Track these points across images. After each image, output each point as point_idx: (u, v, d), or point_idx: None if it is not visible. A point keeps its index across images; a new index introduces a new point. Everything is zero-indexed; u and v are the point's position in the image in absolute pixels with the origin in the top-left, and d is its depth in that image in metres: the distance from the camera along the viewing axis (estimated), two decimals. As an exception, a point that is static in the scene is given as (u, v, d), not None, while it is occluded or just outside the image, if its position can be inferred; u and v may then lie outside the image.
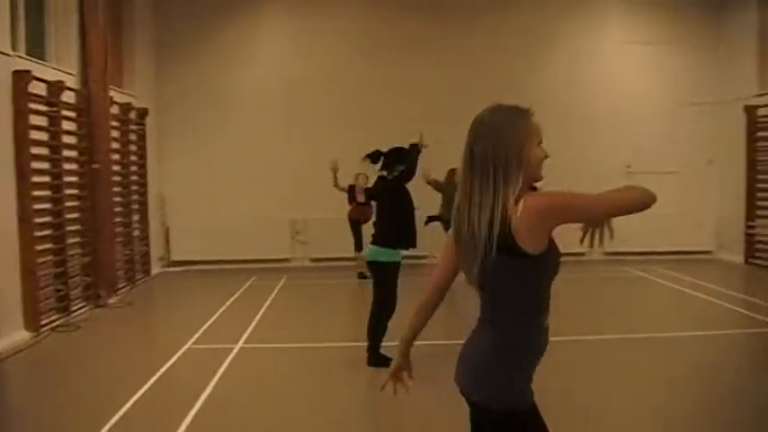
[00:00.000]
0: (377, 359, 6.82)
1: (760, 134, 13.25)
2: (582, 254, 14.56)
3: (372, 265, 7.05)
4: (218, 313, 9.64)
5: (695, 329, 8.52)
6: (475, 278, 2.60)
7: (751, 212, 13.46)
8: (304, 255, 14.34)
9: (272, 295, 11.05)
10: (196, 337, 8.31)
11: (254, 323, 9.04)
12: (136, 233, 12.40)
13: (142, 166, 12.74)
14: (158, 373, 6.80)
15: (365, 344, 7.06)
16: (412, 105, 13.83)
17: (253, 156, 14.03)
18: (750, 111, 13.32)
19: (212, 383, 6.51)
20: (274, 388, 6.61)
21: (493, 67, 14.21)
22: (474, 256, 2.56)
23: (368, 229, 12.38)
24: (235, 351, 7.68)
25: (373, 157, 7.22)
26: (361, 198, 12.16)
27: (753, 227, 13.41)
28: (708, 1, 14.58)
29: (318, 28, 14.21)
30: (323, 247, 14.04)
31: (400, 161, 7.11)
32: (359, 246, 12.42)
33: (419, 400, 6.81)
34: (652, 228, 14.16)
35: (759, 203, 13.32)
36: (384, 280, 6.94)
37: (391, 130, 14.24)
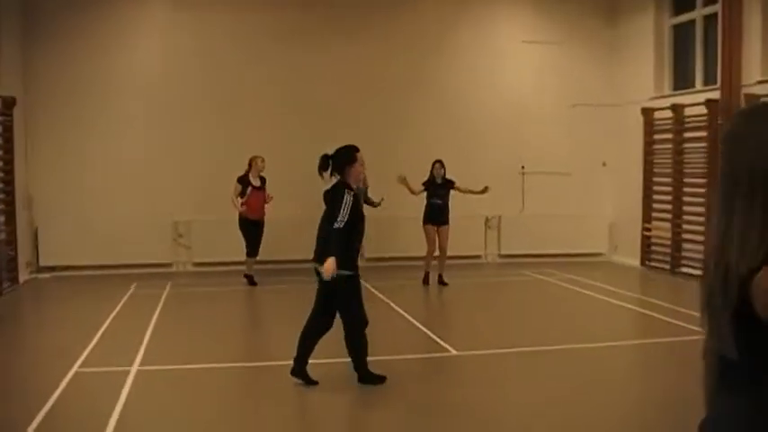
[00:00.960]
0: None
1: (656, 137, 13.30)
2: (478, 256, 14.42)
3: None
4: (102, 328, 8.49)
5: (614, 338, 8.30)
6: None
7: (647, 215, 13.51)
8: (187, 259, 13.27)
9: (160, 305, 9.98)
10: (82, 358, 7.12)
11: (146, 340, 7.97)
12: (0, 236, 11.04)
13: (8, 162, 11.40)
14: (44, 409, 5.59)
15: (278, 362, 6.39)
16: (298, 99, 13.26)
17: (130, 152, 12.84)
18: (647, 113, 13.37)
19: (114, 417, 5.51)
20: (190, 417, 5.73)
21: (388, 64, 13.67)
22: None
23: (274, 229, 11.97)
24: (132, 375, 6.61)
25: (323, 165, 6.31)
26: (256, 182, 11.40)
27: (649, 229, 13.47)
28: (606, 3, 14.53)
29: (196, 18, 13.16)
30: (207, 251, 13.05)
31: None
32: (254, 250, 11.55)
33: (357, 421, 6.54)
34: (546, 229, 14.09)
35: (655, 206, 13.37)
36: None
37: (275, 122, 13.76)
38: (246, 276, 11.58)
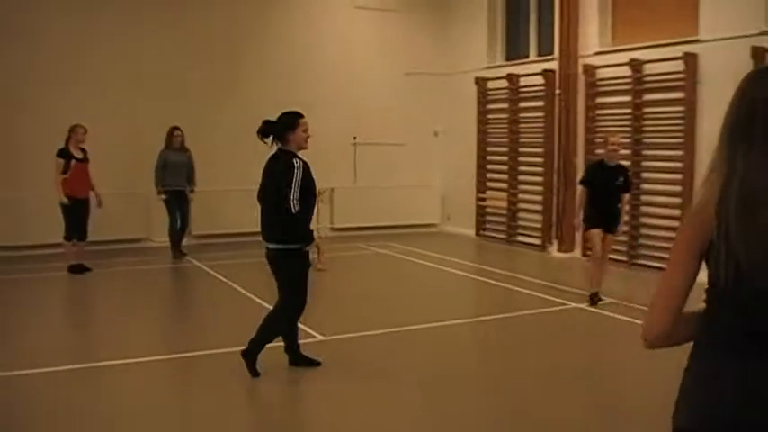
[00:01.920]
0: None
1: (491, 106, 13.25)
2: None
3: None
4: None
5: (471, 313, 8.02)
6: None
7: (482, 185, 13.45)
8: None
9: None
10: None
11: None
12: None
13: None
14: None
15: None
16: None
17: None
18: (481, 83, 13.26)
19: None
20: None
21: (210, 32, 12.38)
22: None
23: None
24: None
25: (265, 132, 5.66)
26: (78, 154, 9.83)
27: (483, 199, 13.42)
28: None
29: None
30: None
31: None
32: (81, 233, 9.98)
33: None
34: (379, 201, 13.68)
35: (490, 176, 13.35)
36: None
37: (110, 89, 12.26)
38: (73, 266, 9.91)
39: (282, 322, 5.71)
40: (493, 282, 9.61)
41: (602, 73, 10.97)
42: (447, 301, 8.79)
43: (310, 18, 13.32)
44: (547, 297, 8.58)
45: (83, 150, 9.90)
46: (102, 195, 10.17)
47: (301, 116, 5.75)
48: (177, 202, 10.94)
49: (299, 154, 5.68)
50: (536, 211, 12.23)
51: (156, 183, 10.80)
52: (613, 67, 10.66)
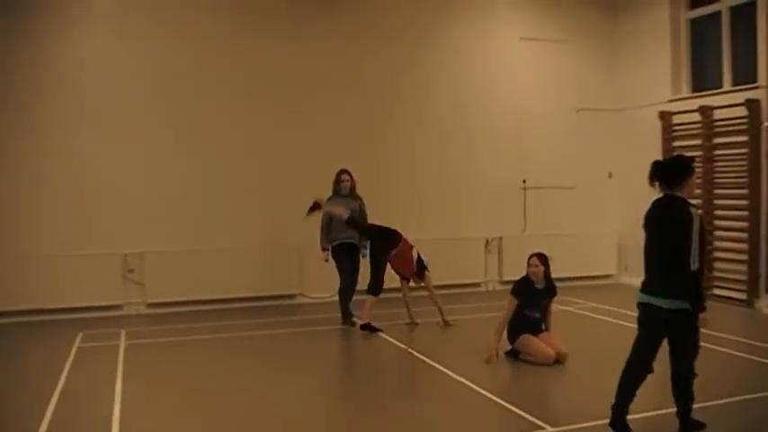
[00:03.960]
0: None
1: (677, 144, 11.80)
2: (478, 284, 12.63)
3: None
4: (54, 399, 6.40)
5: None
6: None
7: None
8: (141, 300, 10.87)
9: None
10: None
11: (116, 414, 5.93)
12: None
13: None
14: None
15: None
16: (269, 106, 11.27)
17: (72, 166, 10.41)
18: (665, 117, 11.90)
19: None
20: None
21: (365, 64, 11.74)
22: None
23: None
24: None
25: (654, 175, 5.20)
26: None
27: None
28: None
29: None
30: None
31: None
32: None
33: None
34: (551, 250, 12.34)
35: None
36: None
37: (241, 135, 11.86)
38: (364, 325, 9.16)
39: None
40: (720, 348, 8.05)
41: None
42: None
43: (472, 51, 12.40)
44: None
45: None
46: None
47: (693, 160, 5.28)
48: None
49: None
50: (739, 261, 10.69)
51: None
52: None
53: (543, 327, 7.77)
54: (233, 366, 7.64)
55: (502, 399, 6.23)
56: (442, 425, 5.72)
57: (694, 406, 5.29)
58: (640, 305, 5.18)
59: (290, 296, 11.36)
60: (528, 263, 7.83)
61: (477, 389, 6.59)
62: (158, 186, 10.67)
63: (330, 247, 9.50)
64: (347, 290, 9.55)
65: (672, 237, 4.93)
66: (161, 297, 10.64)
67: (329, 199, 9.51)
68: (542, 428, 5.48)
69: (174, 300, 10.65)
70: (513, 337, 7.63)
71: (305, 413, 6.07)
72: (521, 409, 5.91)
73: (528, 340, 7.51)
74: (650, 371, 5.12)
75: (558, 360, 7.39)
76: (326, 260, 9.54)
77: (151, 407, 6.25)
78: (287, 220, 10.64)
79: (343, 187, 9.52)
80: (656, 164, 5.18)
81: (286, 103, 11.28)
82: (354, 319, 9.45)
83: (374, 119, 11.75)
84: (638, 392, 5.17)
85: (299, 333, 9.37)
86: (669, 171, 5.08)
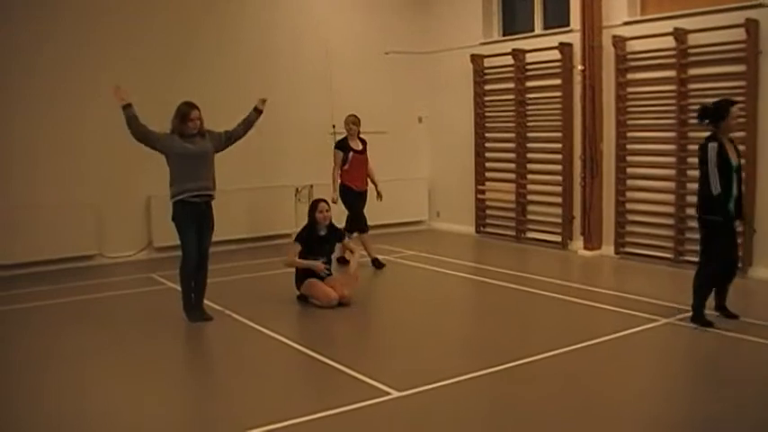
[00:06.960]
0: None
1: (488, 87, 11.75)
2: (290, 235, 11.77)
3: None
4: None
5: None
6: None
7: (481, 176, 11.95)
8: None
9: None
10: None
11: None
12: None
13: None
14: None
15: None
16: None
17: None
18: (477, 60, 11.74)
19: None
20: None
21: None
22: None
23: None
24: None
25: (703, 116, 6.60)
26: (357, 145, 9.93)
27: (484, 192, 11.94)
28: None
29: None
30: None
31: None
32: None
33: None
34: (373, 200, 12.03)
35: (489, 166, 11.86)
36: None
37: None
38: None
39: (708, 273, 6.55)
40: (540, 292, 8.05)
41: (634, 45, 9.64)
42: (499, 325, 7.18)
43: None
44: (620, 310, 7.16)
45: (362, 141, 10.00)
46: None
47: (734, 103, 6.50)
48: None
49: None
50: (554, 204, 10.84)
51: None
52: (650, 38, 9.34)
53: (329, 271, 7.84)
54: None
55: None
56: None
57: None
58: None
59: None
60: (316, 207, 7.81)
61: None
62: None
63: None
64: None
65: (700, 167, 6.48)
66: None
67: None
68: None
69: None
70: (299, 283, 7.73)
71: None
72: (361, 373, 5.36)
73: (311, 284, 7.61)
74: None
75: (342, 302, 7.47)
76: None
77: None
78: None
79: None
80: (703, 108, 6.53)
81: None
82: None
83: (168, 63, 10.55)
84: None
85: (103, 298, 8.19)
86: (713, 113, 6.42)
